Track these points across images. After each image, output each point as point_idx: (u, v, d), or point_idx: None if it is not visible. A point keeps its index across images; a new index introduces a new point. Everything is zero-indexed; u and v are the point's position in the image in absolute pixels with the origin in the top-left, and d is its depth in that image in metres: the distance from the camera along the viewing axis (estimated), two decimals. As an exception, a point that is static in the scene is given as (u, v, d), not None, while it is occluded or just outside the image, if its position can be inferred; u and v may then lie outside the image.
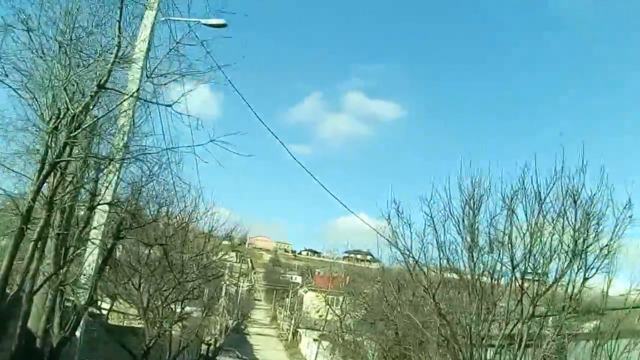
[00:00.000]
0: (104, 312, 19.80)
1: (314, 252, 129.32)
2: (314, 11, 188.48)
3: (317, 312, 68.67)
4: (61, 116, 6.09)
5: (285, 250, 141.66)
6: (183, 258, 13.61)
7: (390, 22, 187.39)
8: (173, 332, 21.16)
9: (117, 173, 8.24)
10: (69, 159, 6.10)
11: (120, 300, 14.88)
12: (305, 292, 74.65)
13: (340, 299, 56.96)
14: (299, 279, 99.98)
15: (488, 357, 9.74)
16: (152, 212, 9.40)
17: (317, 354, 42.69)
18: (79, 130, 6.13)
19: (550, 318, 9.59)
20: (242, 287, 76.92)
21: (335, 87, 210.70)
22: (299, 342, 59.05)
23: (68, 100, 6.18)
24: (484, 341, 9.75)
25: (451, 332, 9.72)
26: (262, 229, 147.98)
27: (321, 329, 44.94)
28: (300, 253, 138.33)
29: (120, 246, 12.28)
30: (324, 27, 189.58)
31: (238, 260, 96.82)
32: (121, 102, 6.35)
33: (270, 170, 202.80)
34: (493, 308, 9.54)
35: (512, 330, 9.62)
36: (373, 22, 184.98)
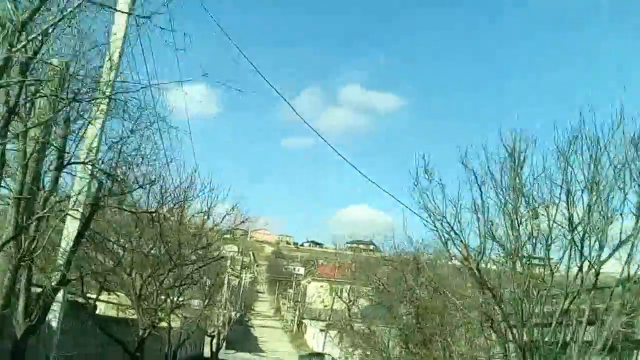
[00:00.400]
0: (98, 303, 18.36)
1: (316, 244, 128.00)
2: (307, 5, 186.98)
3: (322, 302, 67.44)
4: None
5: (288, 243, 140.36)
6: (180, 238, 12.04)
7: (385, 12, 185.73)
8: (173, 324, 19.75)
9: (92, 121, 6.65)
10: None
11: (112, 290, 13.29)
12: (309, 282, 73.33)
13: (347, 287, 56.02)
14: (301, 271, 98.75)
15: (540, 337, 8.26)
16: (138, 178, 7.80)
17: (324, 344, 41.37)
18: (25, 43, 4.53)
19: (617, 289, 8.06)
20: (245, 278, 75.55)
21: (332, 80, 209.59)
22: (305, 333, 57.78)
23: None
24: (535, 319, 8.26)
25: (501, 310, 8.18)
26: (264, 223, 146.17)
27: (327, 319, 43.57)
28: (302, 245, 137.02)
29: (107, 221, 10.70)
30: (317, 19, 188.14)
31: (240, 253, 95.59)
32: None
33: (267, 162, 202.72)
34: (550, 278, 8.02)
35: (570, 304, 8.12)
36: (367, 14, 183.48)
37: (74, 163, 6.86)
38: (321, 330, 43.98)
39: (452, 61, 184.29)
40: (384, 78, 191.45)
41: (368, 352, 25.24)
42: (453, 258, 9.07)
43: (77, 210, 7.40)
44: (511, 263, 8.56)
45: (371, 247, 46.40)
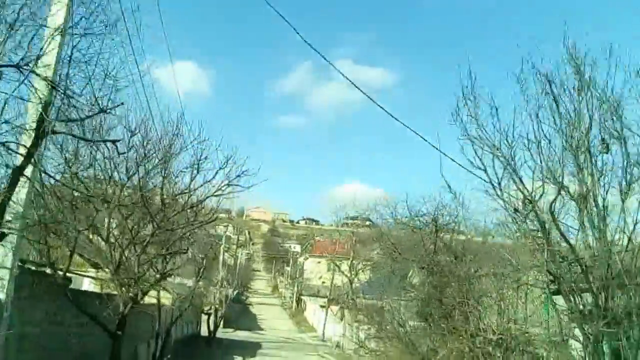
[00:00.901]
0: (83, 279, 16.53)
1: (313, 221, 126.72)
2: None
3: (320, 278, 66.28)
4: None
5: (284, 220, 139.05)
6: (164, 194, 10.09)
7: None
8: (165, 302, 17.98)
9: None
10: None
11: (85, 258, 11.37)
12: (306, 259, 72.04)
13: (346, 262, 54.65)
14: (298, 248, 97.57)
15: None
16: (100, 99, 5.75)
17: (325, 321, 40.02)
18: None
19: None
20: (241, 256, 74.11)
21: (325, 56, 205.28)
22: (304, 310, 56.54)
23: None
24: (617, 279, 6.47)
25: (584, 268, 6.33)
26: (259, 201, 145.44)
27: (328, 295, 42.15)
28: (298, 222, 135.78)
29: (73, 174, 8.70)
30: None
31: (236, 232, 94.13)
32: None
33: (263, 140, 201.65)
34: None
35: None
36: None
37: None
38: (322, 307, 42.62)
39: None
40: (376, 53, 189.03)
41: (376, 327, 23.73)
42: (507, 206, 7.17)
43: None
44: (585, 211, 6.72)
45: (367, 222, 45.32)
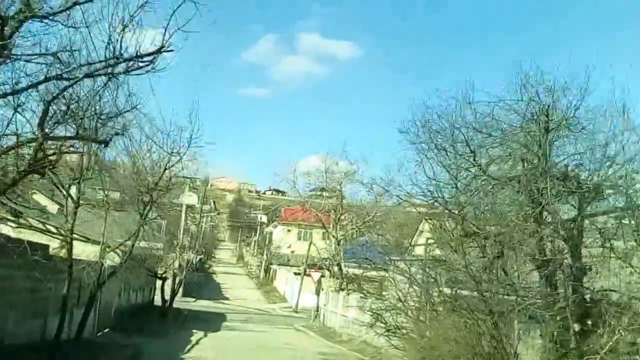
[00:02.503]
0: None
1: (279, 192, 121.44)
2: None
3: (289, 247, 61.98)
4: None
5: (250, 191, 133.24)
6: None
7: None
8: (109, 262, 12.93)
9: None
10: None
11: None
12: (275, 227, 67.33)
13: (317, 231, 50.47)
14: (264, 218, 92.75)
15: None
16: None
17: (300, 290, 35.67)
18: None
19: None
20: (205, 224, 68.71)
21: (289, 28, 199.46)
22: (274, 279, 52.09)
23: None
24: None
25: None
26: (225, 171, 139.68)
27: (304, 261, 37.76)
28: (264, 193, 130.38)
29: None
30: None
31: (200, 202, 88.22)
32: None
33: (226, 112, 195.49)
34: None
35: None
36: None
37: None
38: (296, 274, 38.20)
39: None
40: (343, 26, 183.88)
41: (370, 294, 19.36)
42: None
43: None
44: None
45: (335, 193, 41.20)
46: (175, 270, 30.86)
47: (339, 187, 33.22)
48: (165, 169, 13.81)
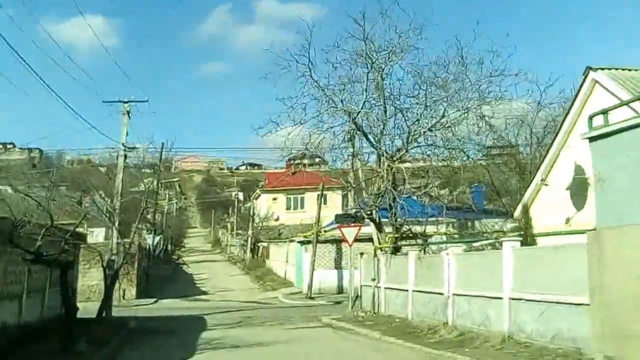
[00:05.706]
0: None
1: (254, 165, 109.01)
2: None
3: (276, 220, 50.63)
4: None
5: (220, 168, 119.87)
6: None
7: None
8: None
9: None
10: None
11: None
12: (257, 196, 55.47)
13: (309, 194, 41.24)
14: (240, 195, 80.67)
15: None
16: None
17: (313, 265, 24.24)
18: None
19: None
20: (167, 203, 56.28)
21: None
22: (266, 259, 40.42)
23: None
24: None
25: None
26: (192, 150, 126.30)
27: (317, 218, 26.42)
28: (238, 169, 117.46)
29: None
30: None
31: (163, 188, 75.78)
32: None
33: (186, 86, 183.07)
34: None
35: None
36: None
37: None
38: (302, 244, 26.69)
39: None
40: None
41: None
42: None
43: None
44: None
45: (317, 159, 32.91)
46: (114, 257, 19.10)
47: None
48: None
